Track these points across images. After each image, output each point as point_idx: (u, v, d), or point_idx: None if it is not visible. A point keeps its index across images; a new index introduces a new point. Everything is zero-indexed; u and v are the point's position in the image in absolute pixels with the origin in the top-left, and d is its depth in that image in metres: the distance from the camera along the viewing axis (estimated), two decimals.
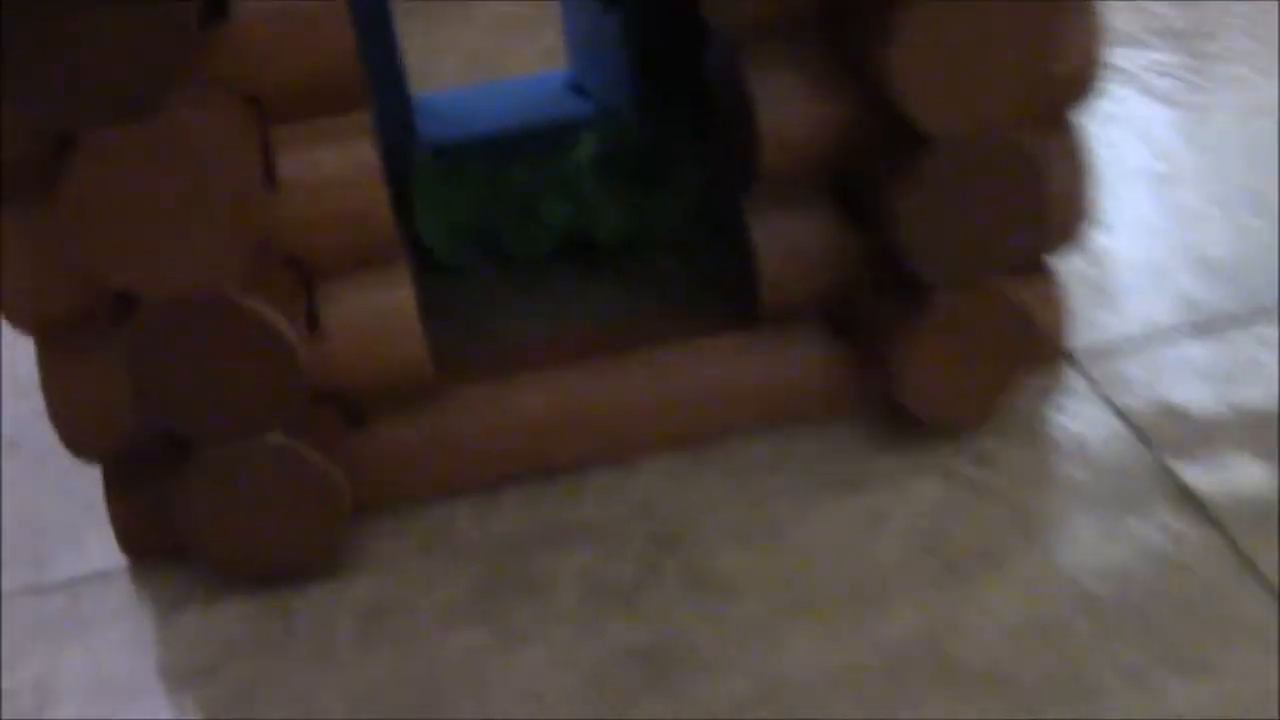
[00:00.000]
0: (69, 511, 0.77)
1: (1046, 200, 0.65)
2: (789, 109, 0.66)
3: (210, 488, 0.65)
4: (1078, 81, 0.68)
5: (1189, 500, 0.66)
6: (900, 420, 0.73)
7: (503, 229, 0.86)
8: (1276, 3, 1.04)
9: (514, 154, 0.94)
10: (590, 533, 0.70)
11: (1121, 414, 0.72)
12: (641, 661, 0.62)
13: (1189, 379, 0.74)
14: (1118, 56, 1.07)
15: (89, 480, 0.78)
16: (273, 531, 0.67)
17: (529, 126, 0.95)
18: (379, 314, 0.67)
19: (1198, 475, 0.68)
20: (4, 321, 0.64)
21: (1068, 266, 0.84)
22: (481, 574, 0.69)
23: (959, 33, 0.60)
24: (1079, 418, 0.73)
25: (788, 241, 0.70)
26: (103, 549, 0.74)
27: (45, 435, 0.81)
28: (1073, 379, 0.76)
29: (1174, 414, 0.72)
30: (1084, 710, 0.56)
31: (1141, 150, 0.96)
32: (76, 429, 0.67)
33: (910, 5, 0.59)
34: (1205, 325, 0.78)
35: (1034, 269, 0.73)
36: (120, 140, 0.57)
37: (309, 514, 0.67)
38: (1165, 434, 0.71)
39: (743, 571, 0.66)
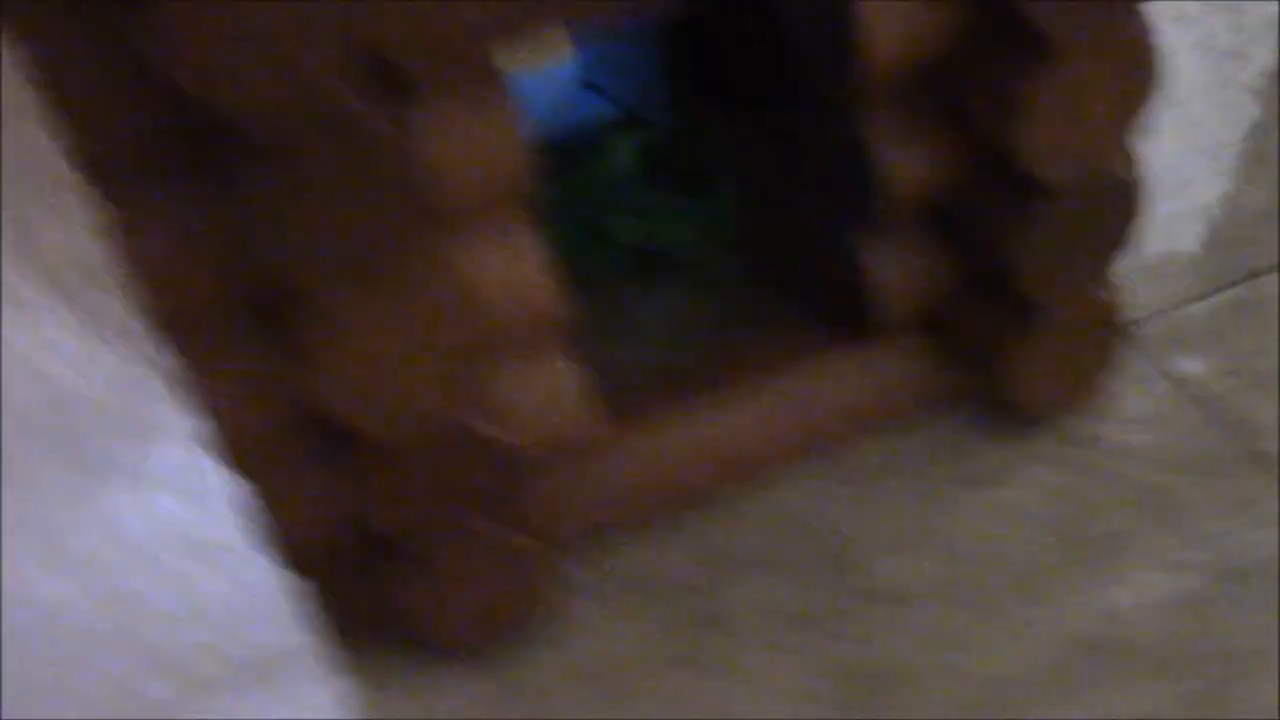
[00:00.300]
0: (254, 592, 0.79)
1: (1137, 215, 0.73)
2: (908, 164, 0.71)
3: (425, 574, 0.69)
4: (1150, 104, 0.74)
5: (1263, 460, 0.76)
6: (994, 412, 0.81)
7: (570, 251, 0.89)
8: None
9: (543, 163, 0.95)
10: (756, 559, 0.76)
11: (1179, 382, 0.81)
12: (847, 679, 0.70)
13: (1224, 340, 0.84)
14: None
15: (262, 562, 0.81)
16: (481, 606, 0.71)
17: (552, 132, 0.96)
18: (552, 393, 0.70)
19: (1268, 436, 0.77)
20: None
21: None
22: (667, 615, 0.74)
23: (1079, 95, 0.66)
24: (1143, 388, 0.82)
25: (896, 266, 0.75)
26: (295, 628, 0.77)
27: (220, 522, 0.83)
28: (1129, 351, 0.84)
29: (1224, 375, 0.81)
30: (1253, 683, 0.66)
31: None
32: (292, 549, 0.69)
33: (1036, 77, 0.64)
34: (1218, 284, 0.87)
35: None
36: (351, 297, 0.59)
37: (513, 586, 0.72)
38: (1222, 395, 0.80)
39: (908, 579, 0.74)
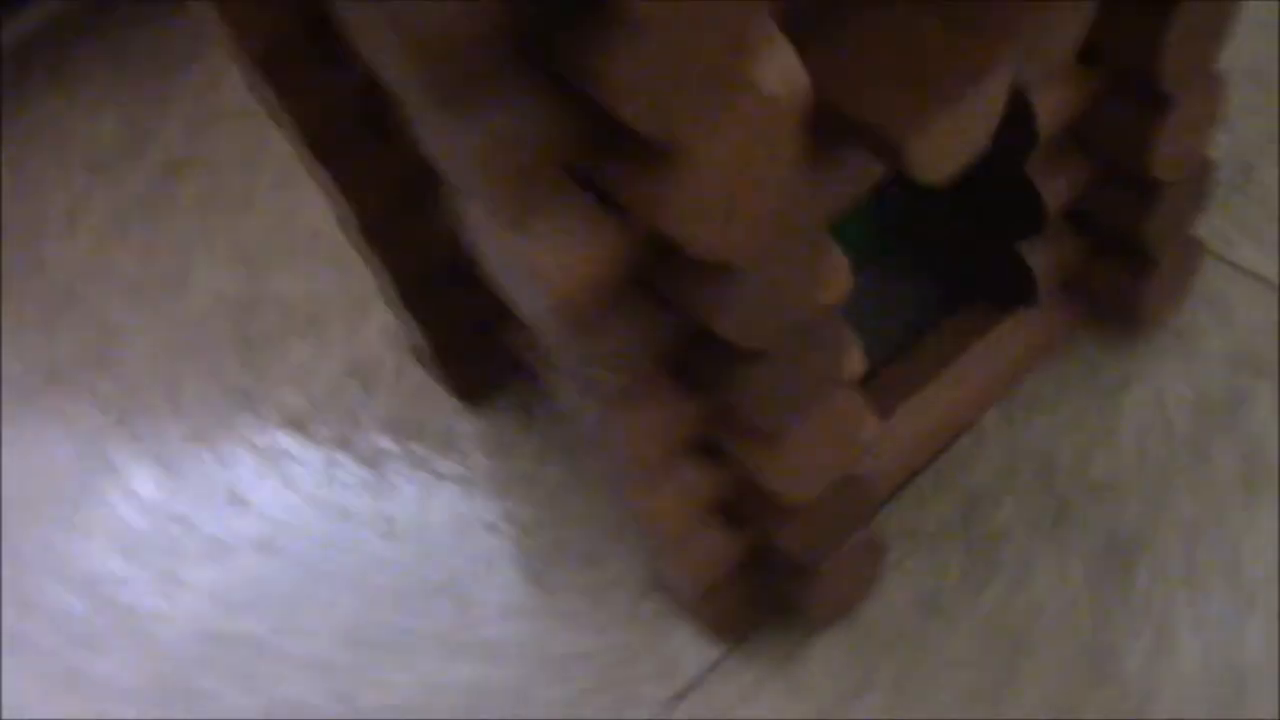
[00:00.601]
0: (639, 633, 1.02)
1: None
2: (1059, 188, 0.95)
3: (807, 577, 0.93)
4: None
5: None
6: (1112, 331, 1.08)
7: None
8: None
9: None
10: (994, 486, 1.02)
11: (1232, 263, 1.09)
12: (1110, 555, 0.97)
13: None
14: None
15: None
16: (845, 588, 0.96)
17: None
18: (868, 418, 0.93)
19: None
20: None
21: None
22: (949, 548, 1.00)
23: (1188, 123, 0.90)
24: (1210, 276, 1.09)
25: (1049, 255, 1.00)
26: (694, 643, 1.00)
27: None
28: None
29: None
30: None
31: None
32: (696, 587, 0.92)
33: (1162, 122, 0.89)
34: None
35: None
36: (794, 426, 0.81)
37: (866, 566, 0.96)
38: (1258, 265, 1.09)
39: (1113, 472, 1.00)
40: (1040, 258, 0.99)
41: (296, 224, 1.36)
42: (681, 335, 0.74)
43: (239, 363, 1.26)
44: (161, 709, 1.05)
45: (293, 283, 1.30)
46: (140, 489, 1.20)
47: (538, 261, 0.65)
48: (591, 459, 0.91)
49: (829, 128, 0.69)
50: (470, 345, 1.12)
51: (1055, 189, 0.94)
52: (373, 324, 1.25)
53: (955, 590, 0.97)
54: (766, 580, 0.95)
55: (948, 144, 0.69)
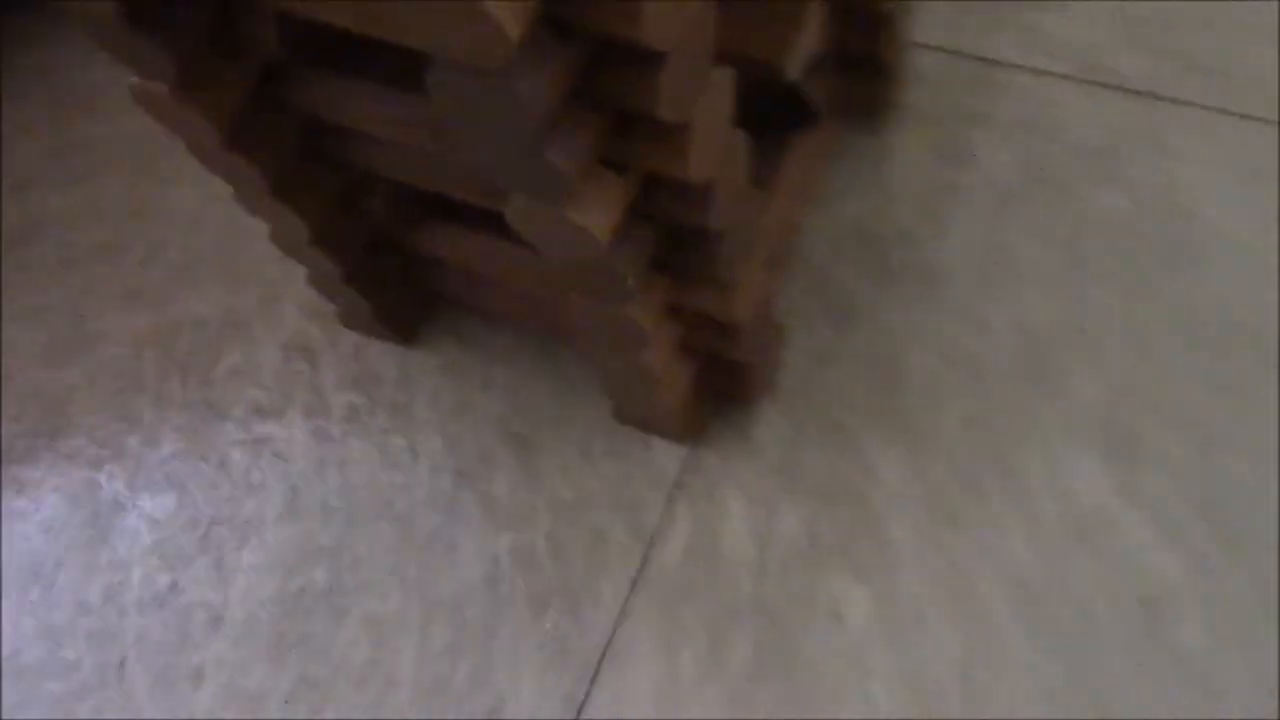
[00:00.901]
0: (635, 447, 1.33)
1: None
2: (825, 43, 1.29)
3: (746, 374, 1.27)
4: None
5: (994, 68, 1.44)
6: (866, 124, 1.43)
7: None
8: None
9: None
10: (830, 260, 1.36)
11: (936, 48, 1.46)
12: (925, 280, 1.34)
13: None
14: None
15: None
16: (770, 367, 1.30)
17: None
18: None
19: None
20: None
21: None
22: (819, 314, 1.35)
23: None
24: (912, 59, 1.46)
25: (823, 89, 1.34)
26: (667, 451, 1.32)
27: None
28: None
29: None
30: (1183, 225, 1.36)
31: None
32: (671, 417, 1.24)
33: None
34: None
35: None
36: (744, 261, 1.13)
37: (777, 348, 1.31)
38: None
39: (906, 222, 1.37)
40: (816, 89, 1.33)
41: (169, 253, 1.53)
42: (660, 239, 1.04)
43: (184, 383, 1.45)
44: (283, 663, 1.28)
45: (196, 301, 1.48)
46: (154, 512, 1.39)
47: (587, 225, 0.93)
48: (589, 345, 1.19)
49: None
50: (402, 297, 1.36)
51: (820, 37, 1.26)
52: (287, 310, 1.46)
53: (830, 342, 1.32)
54: (710, 387, 1.28)
55: (802, 52, 1.01)
